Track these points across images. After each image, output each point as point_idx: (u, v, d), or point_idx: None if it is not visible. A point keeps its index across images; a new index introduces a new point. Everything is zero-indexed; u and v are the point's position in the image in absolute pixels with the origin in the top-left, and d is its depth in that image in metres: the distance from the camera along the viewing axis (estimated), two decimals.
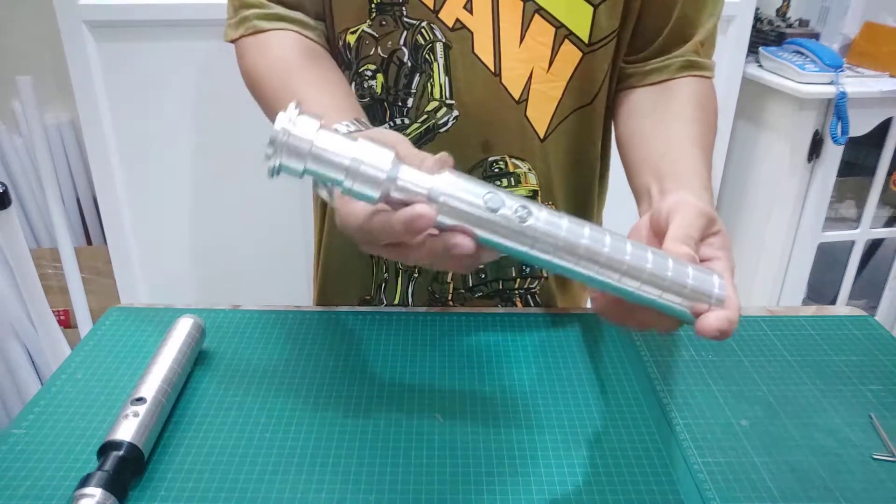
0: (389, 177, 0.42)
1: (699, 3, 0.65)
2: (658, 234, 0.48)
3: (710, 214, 0.48)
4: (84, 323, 1.61)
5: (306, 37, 0.65)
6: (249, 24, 0.64)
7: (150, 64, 1.36)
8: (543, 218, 0.43)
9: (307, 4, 0.66)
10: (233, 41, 0.67)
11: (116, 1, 1.29)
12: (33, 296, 1.16)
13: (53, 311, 1.24)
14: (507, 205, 0.42)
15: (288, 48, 0.64)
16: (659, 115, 0.64)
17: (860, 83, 1.52)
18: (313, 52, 0.64)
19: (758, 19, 1.67)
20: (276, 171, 0.43)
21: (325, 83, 0.61)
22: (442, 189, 0.42)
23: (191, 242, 1.53)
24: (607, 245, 0.44)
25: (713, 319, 0.42)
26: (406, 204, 0.42)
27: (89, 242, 1.82)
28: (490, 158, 0.67)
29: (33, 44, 1.69)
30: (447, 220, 0.43)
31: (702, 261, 0.46)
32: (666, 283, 0.44)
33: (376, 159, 0.42)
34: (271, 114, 0.63)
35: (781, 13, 1.72)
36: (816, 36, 1.67)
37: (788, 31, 1.66)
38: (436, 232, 0.43)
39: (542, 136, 0.67)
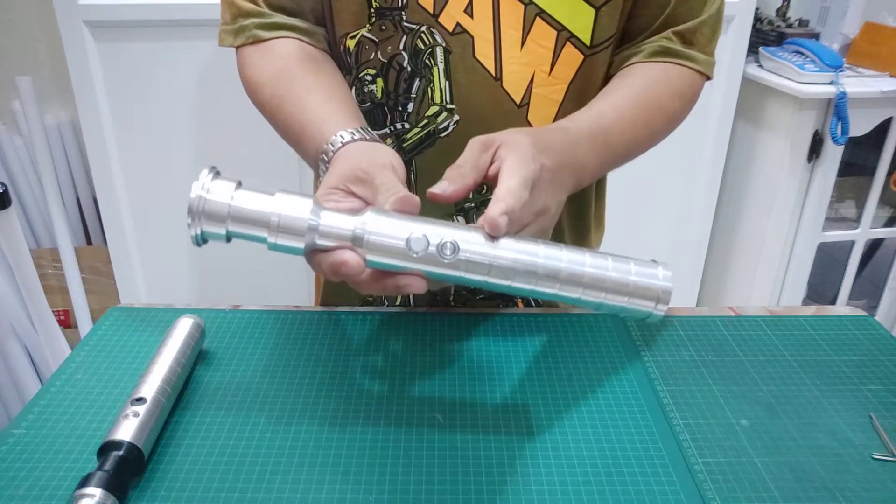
0: (311, 226, 0.43)
1: (692, 7, 0.65)
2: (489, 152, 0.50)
3: (483, 139, 0.50)
4: (84, 323, 1.61)
5: (308, 43, 0.65)
6: (249, 34, 0.64)
7: (150, 64, 1.36)
8: (470, 244, 0.43)
9: (307, 11, 0.66)
10: (232, 48, 0.66)
11: (116, 1, 1.29)
12: (33, 296, 1.16)
13: (53, 311, 1.24)
14: (431, 239, 0.43)
15: (289, 55, 0.63)
16: (602, 93, 0.64)
17: (860, 83, 1.52)
18: (315, 59, 0.64)
19: (758, 19, 1.67)
20: (199, 240, 0.44)
21: (329, 89, 0.61)
22: (367, 230, 0.43)
23: (191, 243, 1.52)
24: (541, 257, 0.44)
25: (492, 213, 0.44)
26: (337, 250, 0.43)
27: (89, 242, 1.82)
28: None
29: (33, 44, 1.69)
30: (377, 259, 0.43)
31: (494, 176, 0.48)
32: (608, 284, 0.45)
33: (295, 211, 0.43)
34: (274, 123, 0.63)
35: (781, 13, 1.72)
36: (816, 36, 1.67)
37: (788, 31, 1.66)
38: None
39: None
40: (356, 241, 0.43)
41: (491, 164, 0.49)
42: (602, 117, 0.60)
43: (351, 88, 0.67)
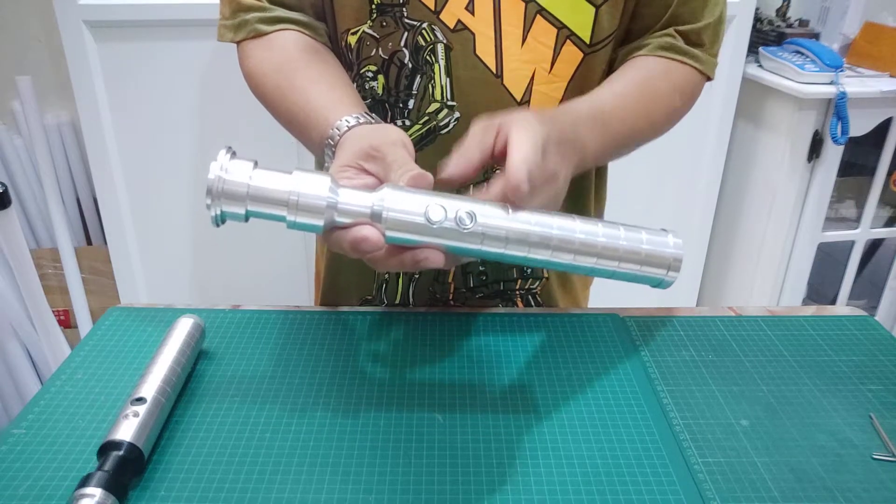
0: (330, 203, 0.43)
1: (693, 8, 0.65)
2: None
3: (485, 123, 0.50)
4: (84, 323, 1.61)
5: (309, 35, 0.65)
6: (251, 28, 0.64)
7: (150, 64, 1.36)
8: (489, 214, 0.44)
9: (307, 6, 0.66)
10: (233, 43, 0.67)
11: (116, 1, 1.29)
12: (33, 296, 1.16)
13: (53, 311, 1.24)
14: (449, 210, 0.43)
15: (292, 47, 0.64)
16: (605, 82, 0.65)
17: (860, 83, 1.52)
18: (317, 50, 0.65)
19: (758, 19, 1.67)
20: (219, 220, 0.44)
21: (332, 78, 0.61)
22: (385, 205, 0.43)
23: (191, 242, 1.52)
24: (555, 228, 0.45)
25: (496, 189, 0.46)
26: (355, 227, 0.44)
27: (89, 242, 1.82)
28: None
29: (33, 44, 1.69)
30: (396, 234, 0.44)
31: (501, 154, 0.48)
32: (620, 253, 0.45)
33: (314, 188, 0.43)
34: (278, 114, 0.63)
35: (781, 13, 1.72)
36: (816, 36, 1.67)
37: (788, 31, 1.66)
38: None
39: None
40: (375, 217, 0.43)
41: (495, 144, 0.50)
42: (602, 102, 0.60)
43: (353, 84, 0.67)
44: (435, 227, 0.43)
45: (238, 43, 0.66)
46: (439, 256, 0.44)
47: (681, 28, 0.66)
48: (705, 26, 0.66)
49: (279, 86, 0.62)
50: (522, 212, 0.45)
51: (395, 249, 0.45)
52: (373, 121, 0.54)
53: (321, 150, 0.56)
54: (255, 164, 0.44)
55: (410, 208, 0.43)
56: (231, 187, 0.43)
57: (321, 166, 0.59)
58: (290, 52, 0.63)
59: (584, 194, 0.74)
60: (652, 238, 0.46)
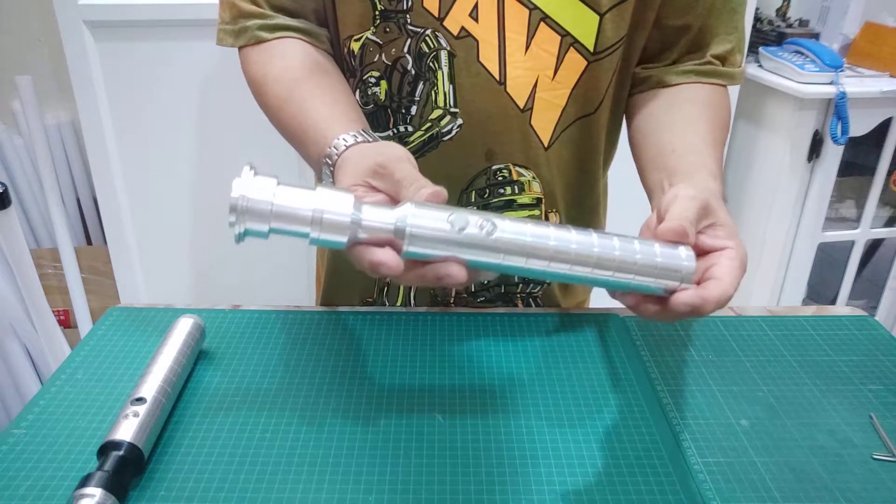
0: (354, 220, 0.43)
1: (718, 15, 0.66)
2: None
3: (705, 201, 0.49)
4: (84, 323, 1.61)
5: (310, 44, 0.65)
6: (251, 35, 0.64)
7: (150, 64, 1.36)
8: (509, 228, 0.45)
9: (309, 12, 0.66)
10: (240, 48, 0.66)
11: (116, 1, 1.29)
12: (33, 296, 1.16)
13: (53, 311, 1.24)
14: (472, 222, 0.44)
15: (292, 57, 0.63)
16: (669, 116, 0.65)
17: (860, 83, 1.52)
18: (318, 61, 0.64)
19: (758, 19, 1.67)
20: (242, 237, 0.44)
21: (332, 92, 0.61)
22: (408, 222, 0.44)
23: (191, 242, 1.52)
24: (574, 242, 0.46)
25: (684, 297, 0.46)
26: (377, 242, 0.44)
27: (89, 242, 1.82)
28: (494, 167, 0.67)
29: (33, 44, 1.69)
30: (418, 250, 0.44)
31: (708, 251, 0.49)
32: (636, 266, 0.46)
33: (337, 206, 0.43)
34: (277, 124, 0.63)
35: (781, 13, 1.72)
36: (816, 36, 1.67)
37: (788, 31, 1.66)
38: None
39: (546, 144, 0.67)
40: (398, 233, 0.44)
41: (701, 231, 0.50)
42: (716, 161, 0.60)
43: (354, 91, 0.67)
44: (457, 237, 0.44)
45: (239, 49, 0.66)
46: (461, 272, 0.44)
47: (717, 53, 0.67)
48: (737, 44, 0.67)
49: (278, 96, 0.61)
50: (541, 226, 0.46)
51: (415, 264, 0.45)
52: (370, 139, 0.54)
53: (318, 166, 0.56)
54: (278, 180, 0.44)
55: (433, 224, 0.44)
56: (255, 205, 0.43)
57: (320, 180, 0.59)
58: (291, 62, 0.63)
59: (591, 200, 0.75)
60: (665, 251, 0.47)
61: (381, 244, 0.44)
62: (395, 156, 0.49)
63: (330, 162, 0.53)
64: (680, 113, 0.65)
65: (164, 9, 1.30)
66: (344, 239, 0.44)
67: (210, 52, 1.35)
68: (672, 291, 0.47)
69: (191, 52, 1.35)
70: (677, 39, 0.67)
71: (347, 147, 0.52)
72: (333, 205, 0.43)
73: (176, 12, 1.31)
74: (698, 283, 0.47)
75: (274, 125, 0.64)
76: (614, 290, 0.48)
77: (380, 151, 0.50)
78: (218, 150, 1.44)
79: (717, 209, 0.50)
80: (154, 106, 1.39)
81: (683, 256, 0.47)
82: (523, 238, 0.45)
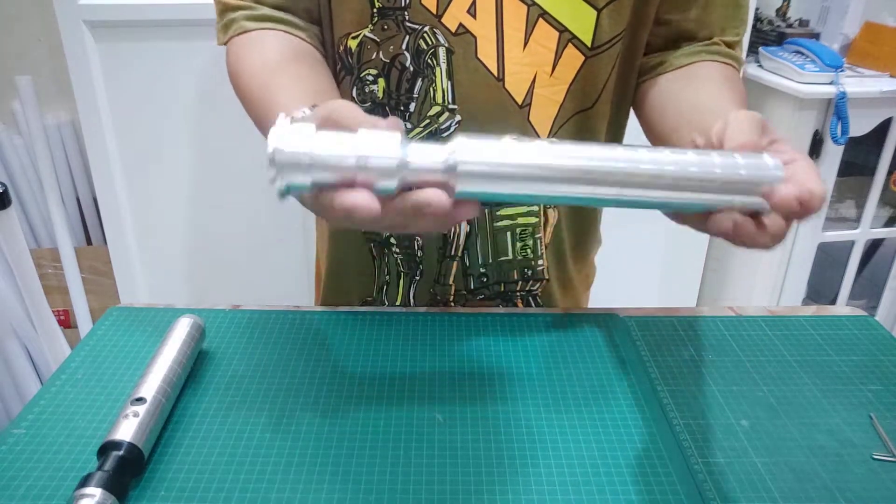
0: (401, 163, 0.40)
1: (724, 9, 0.66)
2: None
3: (760, 118, 0.46)
4: (84, 323, 1.61)
5: (295, 36, 0.64)
6: (237, 26, 0.63)
7: (150, 64, 1.36)
8: (569, 150, 0.41)
9: (300, 10, 0.65)
10: (225, 42, 0.66)
11: (116, 1, 1.29)
12: (33, 296, 1.16)
13: (53, 311, 1.24)
14: (530, 148, 0.40)
15: (271, 48, 0.62)
16: (691, 85, 0.64)
17: (860, 83, 1.52)
18: (298, 51, 0.63)
19: (758, 19, 1.67)
20: (285, 192, 0.40)
21: (305, 80, 0.59)
22: (458, 157, 0.40)
23: (191, 242, 1.52)
24: (646, 161, 0.41)
25: (787, 190, 0.41)
26: (427, 184, 0.40)
27: (89, 242, 1.82)
28: None
29: (33, 44, 1.69)
30: (471, 188, 0.40)
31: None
32: (717, 182, 0.41)
33: (384, 148, 0.39)
34: (253, 116, 0.61)
35: (781, 13, 1.72)
36: (816, 36, 1.67)
37: (788, 31, 1.66)
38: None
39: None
40: (448, 170, 0.40)
41: (765, 149, 0.46)
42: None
43: (352, 88, 0.67)
44: (515, 169, 0.40)
45: (226, 44, 0.65)
46: (445, 200, 0.40)
47: (727, 39, 0.67)
48: (740, 42, 0.68)
49: (252, 87, 0.60)
50: (610, 147, 0.41)
51: (389, 200, 0.41)
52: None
53: None
54: (317, 126, 0.40)
55: (488, 156, 0.40)
56: (294, 158, 0.39)
57: None
58: (268, 53, 0.62)
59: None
60: (749, 161, 0.42)
61: (430, 186, 0.40)
62: (341, 105, 0.45)
63: None
64: (700, 82, 0.64)
65: (164, 9, 1.30)
66: (393, 184, 0.40)
67: (210, 52, 1.35)
68: (755, 212, 0.42)
69: (191, 52, 1.35)
70: (682, 34, 0.67)
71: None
72: (379, 147, 0.39)
73: (176, 12, 1.31)
74: None
75: (251, 118, 0.63)
76: (694, 211, 0.43)
77: (324, 107, 0.47)
78: (218, 150, 1.44)
79: (773, 129, 0.47)
80: (154, 106, 1.39)
81: (771, 165, 0.42)
82: (589, 164, 0.40)
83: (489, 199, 0.42)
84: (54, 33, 1.31)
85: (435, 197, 0.40)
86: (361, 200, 0.39)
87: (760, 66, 1.63)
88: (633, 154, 0.41)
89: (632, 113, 0.74)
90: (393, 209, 0.41)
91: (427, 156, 0.40)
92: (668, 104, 0.65)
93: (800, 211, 0.42)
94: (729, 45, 0.67)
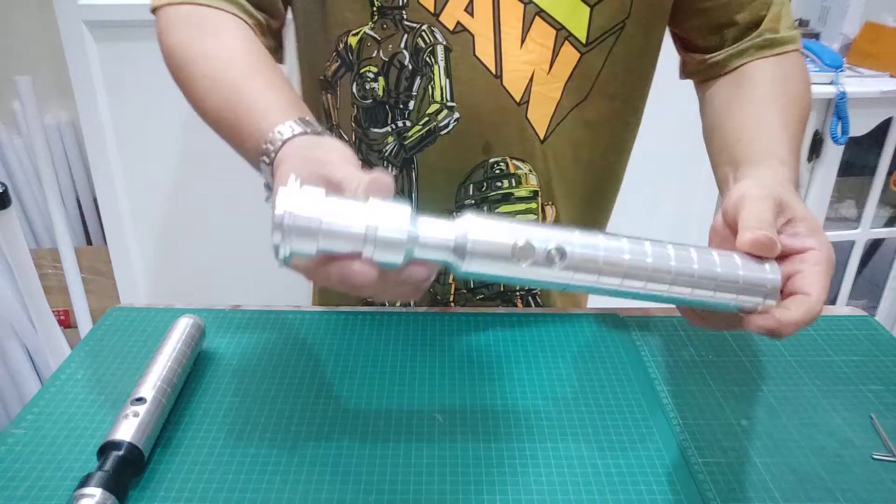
0: (410, 237, 0.38)
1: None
2: (734, 231, 0.45)
3: (777, 198, 0.45)
4: (84, 323, 1.61)
5: (248, 26, 0.61)
6: None
7: (150, 64, 1.34)
8: (578, 252, 0.40)
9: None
10: (157, 9, 0.61)
11: (116, 1, 1.29)
12: (33, 296, 1.16)
13: (53, 311, 1.24)
14: (538, 250, 0.40)
15: (231, 35, 0.58)
16: (736, 103, 0.63)
17: (860, 83, 1.52)
18: (259, 48, 0.59)
19: None
20: (287, 260, 0.39)
21: (269, 76, 0.56)
22: (469, 237, 0.39)
23: (191, 242, 1.52)
24: (650, 256, 0.42)
25: (760, 321, 0.41)
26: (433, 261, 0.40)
27: (89, 242, 1.82)
28: (491, 160, 0.67)
29: (33, 44, 1.69)
30: (479, 270, 0.40)
31: (787, 253, 0.44)
32: (716, 282, 0.42)
33: (393, 221, 0.38)
34: (203, 109, 0.58)
35: None
36: (816, 36, 1.67)
37: None
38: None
39: (542, 137, 0.67)
40: (458, 250, 0.39)
41: (780, 231, 0.46)
42: (787, 143, 0.57)
43: (352, 84, 0.67)
44: (523, 264, 0.40)
45: (160, 8, 0.61)
46: (426, 273, 0.40)
47: (768, 24, 0.65)
48: (781, 16, 0.65)
49: (207, 76, 0.56)
50: (610, 238, 0.42)
51: (390, 272, 0.40)
52: (308, 130, 0.48)
53: (255, 161, 0.51)
54: (326, 191, 0.39)
55: (498, 240, 0.39)
56: (303, 223, 0.37)
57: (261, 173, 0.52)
58: (227, 39, 0.58)
59: (588, 192, 0.74)
60: (748, 263, 0.42)
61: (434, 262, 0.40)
62: (334, 157, 0.44)
63: (268, 160, 0.48)
64: (744, 98, 0.63)
65: None
66: (399, 259, 0.38)
67: None
68: (749, 311, 0.43)
69: None
70: (720, 20, 0.66)
71: (284, 142, 0.47)
72: (389, 220, 0.38)
73: None
74: (781, 294, 0.43)
75: (195, 108, 0.58)
76: (690, 306, 0.44)
77: (317, 152, 0.46)
78: (218, 150, 1.43)
79: (791, 203, 0.46)
80: (154, 106, 1.39)
81: (768, 269, 0.42)
82: (595, 262, 0.40)
83: (490, 280, 0.41)
84: (54, 33, 1.31)
85: (417, 273, 0.39)
86: (360, 272, 0.38)
87: None
88: (638, 247, 0.42)
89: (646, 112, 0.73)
90: (391, 282, 0.40)
91: (436, 232, 0.40)
92: (714, 134, 0.64)
93: (776, 335, 0.42)
94: (773, 25, 0.65)
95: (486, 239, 0.39)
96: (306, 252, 0.38)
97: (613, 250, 0.41)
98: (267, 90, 0.53)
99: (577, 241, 0.41)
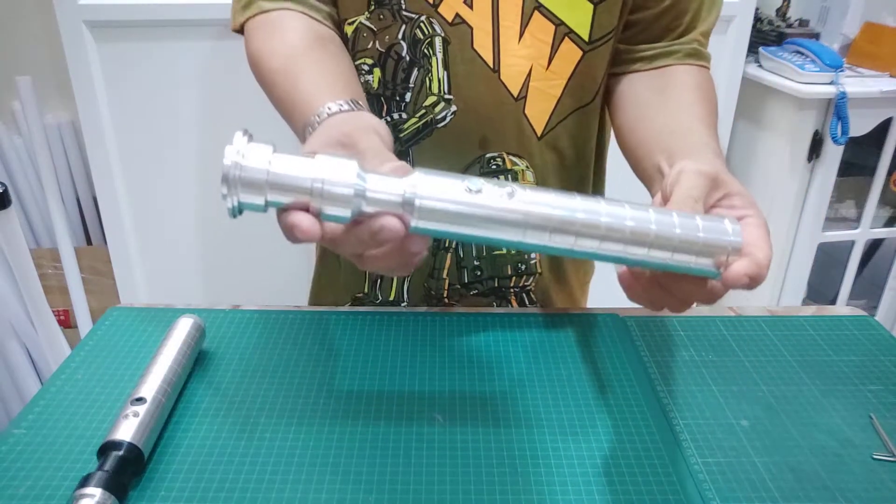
0: (358, 191, 0.39)
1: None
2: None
3: (713, 174, 0.47)
4: (84, 323, 1.61)
5: (313, 18, 0.63)
6: (255, 6, 0.63)
7: (150, 64, 1.36)
8: (528, 197, 0.40)
9: None
10: (240, 26, 0.65)
11: (116, 1, 1.29)
12: (33, 296, 1.16)
13: (53, 311, 1.24)
14: (487, 190, 0.40)
15: (292, 30, 0.62)
16: (664, 98, 0.64)
17: (860, 83, 1.52)
18: (319, 35, 0.63)
19: (758, 19, 1.67)
20: (236, 211, 0.40)
21: (327, 64, 0.59)
22: (417, 192, 0.40)
23: (191, 242, 1.52)
24: (604, 214, 0.41)
25: (739, 267, 0.41)
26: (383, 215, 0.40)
27: (89, 242, 1.82)
28: (488, 155, 0.67)
29: (33, 44, 1.69)
30: (426, 225, 0.40)
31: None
32: (674, 242, 0.41)
33: (340, 175, 0.39)
34: (272, 99, 0.61)
35: (781, 13, 1.72)
36: (816, 36, 1.67)
37: (788, 31, 1.66)
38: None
39: (539, 134, 0.67)
40: (406, 205, 0.40)
41: (715, 205, 0.48)
42: (716, 141, 0.59)
43: None
44: (474, 210, 0.40)
45: (243, 25, 0.64)
46: (399, 226, 0.40)
47: (704, 30, 0.66)
48: (709, 33, 0.67)
49: (272, 70, 0.60)
50: (566, 196, 0.41)
51: (351, 226, 0.41)
52: (356, 108, 0.51)
53: (303, 137, 0.53)
54: (274, 148, 0.40)
55: (447, 195, 0.40)
56: (249, 174, 0.38)
57: None
58: (289, 35, 0.61)
59: (584, 191, 0.74)
60: (708, 224, 0.42)
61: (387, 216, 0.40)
62: (363, 126, 0.47)
63: (311, 130, 0.51)
64: (673, 96, 0.64)
65: (164, 9, 1.30)
66: (347, 213, 0.39)
67: (210, 51, 1.35)
68: (711, 274, 0.42)
69: (191, 52, 1.35)
70: (660, 19, 0.66)
71: (330, 115, 0.50)
72: (335, 173, 0.39)
73: (176, 12, 1.31)
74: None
75: (271, 101, 0.62)
76: (648, 268, 0.43)
77: (349, 121, 0.48)
78: (218, 150, 1.43)
79: (727, 179, 0.48)
80: (154, 106, 1.39)
81: (730, 230, 0.42)
82: (547, 211, 0.40)
83: (442, 236, 0.41)
84: (54, 33, 1.31)
85: (389, 223, 0.40)
86: (302, 221, 0.39)
87: (760, 66, 1.63)
88: (593, 205, 0.41)
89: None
90: (350, 235, 0.41)
91: (384, 187, 0.40)
92: (640, 119, 0.64)
93: (748, 285, 0.42)
94: (706, 35, 0.66)
95: (435, 190, 0.40)
96: (254, 203, 0.40)
97: (566, 207, 0.41)
98: (320, 77, 0.56)
99: (528, 194, 0.41)
